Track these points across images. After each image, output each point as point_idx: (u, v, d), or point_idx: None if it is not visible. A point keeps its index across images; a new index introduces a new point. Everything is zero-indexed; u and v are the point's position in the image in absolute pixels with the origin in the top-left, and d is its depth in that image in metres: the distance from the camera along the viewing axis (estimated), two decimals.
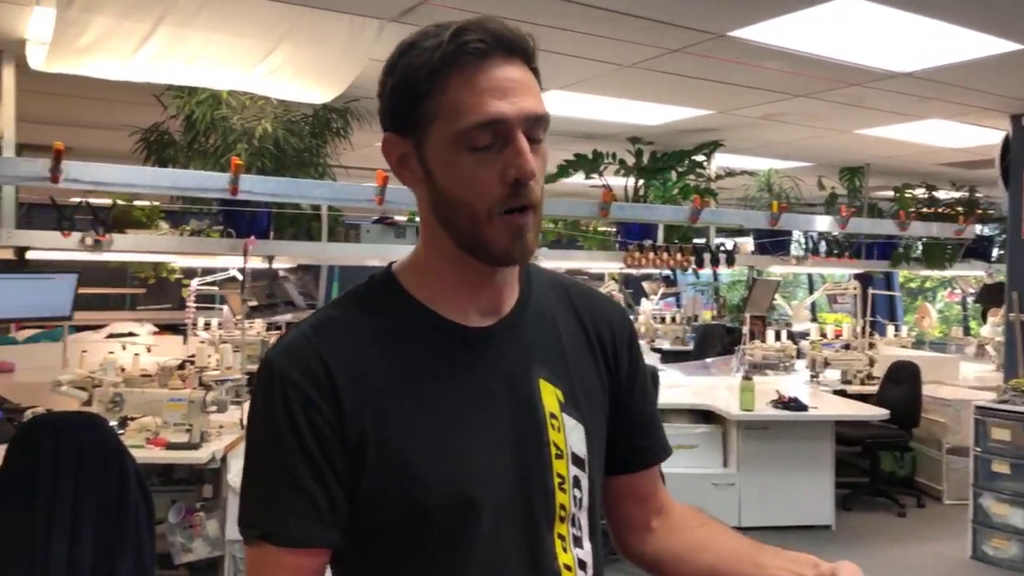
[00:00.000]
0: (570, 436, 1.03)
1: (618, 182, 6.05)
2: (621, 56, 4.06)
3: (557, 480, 1.01)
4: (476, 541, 0.96)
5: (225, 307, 6.11)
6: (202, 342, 4.75)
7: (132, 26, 3.12)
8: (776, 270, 7.48)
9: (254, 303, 4.54)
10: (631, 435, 1.15)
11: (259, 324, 6.31)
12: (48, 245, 3.71)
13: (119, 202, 4.74)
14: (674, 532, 1.18)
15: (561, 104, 5.01)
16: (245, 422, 1.02)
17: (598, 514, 1.09)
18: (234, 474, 3.51)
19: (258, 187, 3.33)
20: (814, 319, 8.78)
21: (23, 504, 2.67)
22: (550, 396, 1.02)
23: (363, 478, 0.94)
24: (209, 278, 5.96)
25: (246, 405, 1.49)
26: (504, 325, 1.03)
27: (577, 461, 1.03)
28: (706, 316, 9.00)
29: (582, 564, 1.04)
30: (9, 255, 3.86)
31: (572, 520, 1.03)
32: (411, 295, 1.01)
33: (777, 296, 7.30)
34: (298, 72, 3.69)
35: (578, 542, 1.04)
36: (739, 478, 5.01)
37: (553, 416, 1.02)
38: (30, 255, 3.88)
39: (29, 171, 2.90)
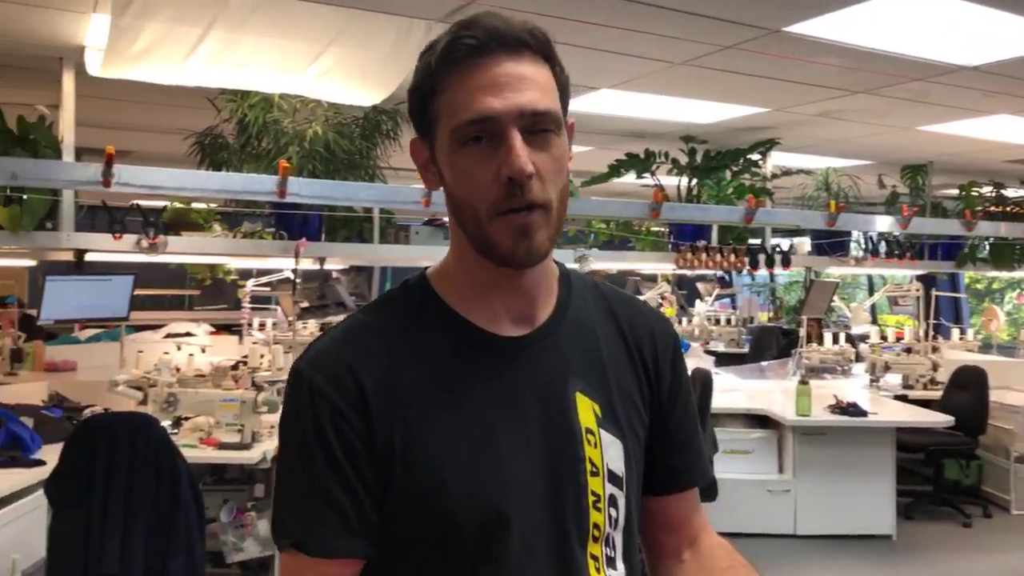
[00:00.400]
0: (607, 452, 0.99)
1: (671, 182, 5.96)
2: (673, 53, 3.98)
3: (592, 498, 0.97)
4: (506, 558, 0.92)
5: (279, 308, 6.18)
6: (255, 343, 4.80)
7: (184, 31, 3.16)
8: (834, 271, 7.29)
9: (305, 304, 4.58)
10: (668, 455, 1.09)
11: (312, 325, 6.37)
12: (106, 247, 3.78)
13: (177, 205, 4.83)
14: (702, 572, 1.11)
15: (611, 103, 4.95)
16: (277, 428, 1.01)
17: (635, 535, 1.04)
18: None
19: (305, 190, 3.35)
20: (874, 322, 8.53)
21: (79, 501, 2.71)
22: (587, 410, 0.98)
23: (391, 489, 0.92)
24: (264, 279, 6.04)
25: None
26: (539, 334, 0.99)
27: (613, 479, 0.99)
28: (762, 318, 8.84)
29: None
30: (69, 257, 3.97)
31: (606, 540, 0.99)
32: (443, 301, 0.99)
33: (835, 298, 7.11)
34: (347, 74, 3.71)
35: (611, 563, 1.00)
36: (795, 485, 4.89)
37: (589, 431, 0.98)
38: (88, 257, 3.97)
39: (83, 175, 2.96)
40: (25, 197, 3.49)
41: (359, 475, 0.92)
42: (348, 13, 3.34)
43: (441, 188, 0.98)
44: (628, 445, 1.01)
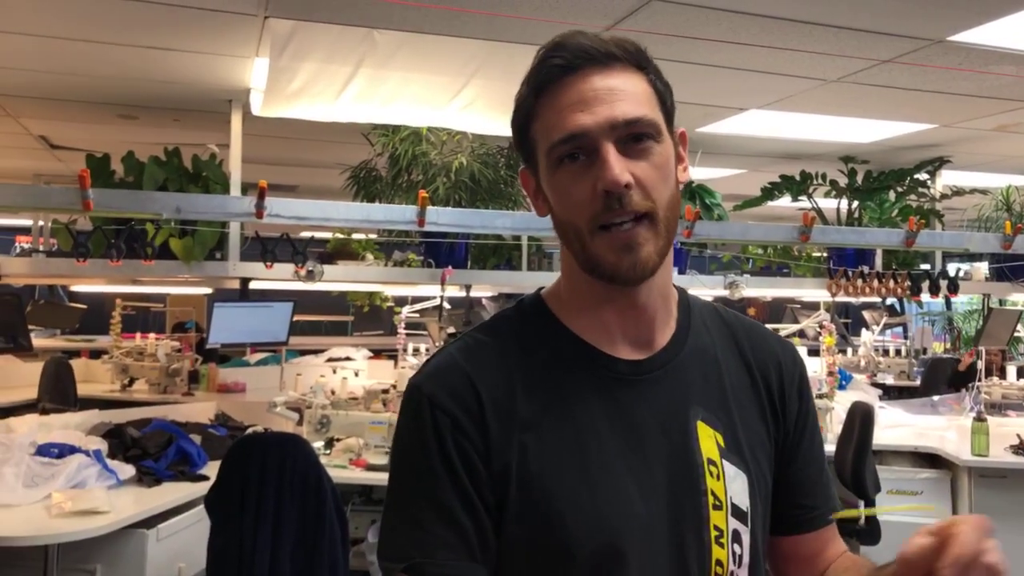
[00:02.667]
0: (731, 485, 0.93)
1: (829, 204, 5.68)
2: (825, 70, 3.81)
3: (715, 533, 0.91)
4: None
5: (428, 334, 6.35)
6: (402, 367, 4.95)
7: (335, 70, 3.34)
8: (1018, 298, 6.68)
9: (452, 330, 4.67)
10: (799, 491, 1.03)
11: None
12: (268, 276, 4.02)
13: (339, 236, 5.09)
14: None
15: (761, 123, 4.79)
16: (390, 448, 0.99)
17: (761, 573, 0.98)
18: None
19: (443, 218, 3.44)
20: None
21: (232, 516, 2.86)
22: (708, 440, 0.93)
23: (505, 516, 0.88)
24: (418, 306, 6.23)
25: None
26: (659, 359, 0.95)
27: (738, 513, 0.93)
28: (936, 349, 8.23)
29: None
30: (236, 285, 4.26)
31: None
32: (560, 322, 0.97)
33: (1020, 328, 6.51)
34: (489, 105, 3.78)
35: None
36: None
37: (712, 462, 0.93)
38: (255, 285, 4.25)
39: (238, 208, 3.18)
40: (196, 230, 3.78)
41: (480, 495, 0.88)
42: (488, 46, 3.42)
43: (550, 215, 0.97)
44: (753, 478, 0.96)
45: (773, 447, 1.01)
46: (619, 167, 0.86)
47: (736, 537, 0.93)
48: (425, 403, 0.90)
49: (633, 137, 0.89)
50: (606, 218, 0.88)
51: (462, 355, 0.94)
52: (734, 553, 0.93)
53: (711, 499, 0.92)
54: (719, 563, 0.91)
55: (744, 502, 0.94)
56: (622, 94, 0.89)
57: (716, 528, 0.91)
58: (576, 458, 0.89)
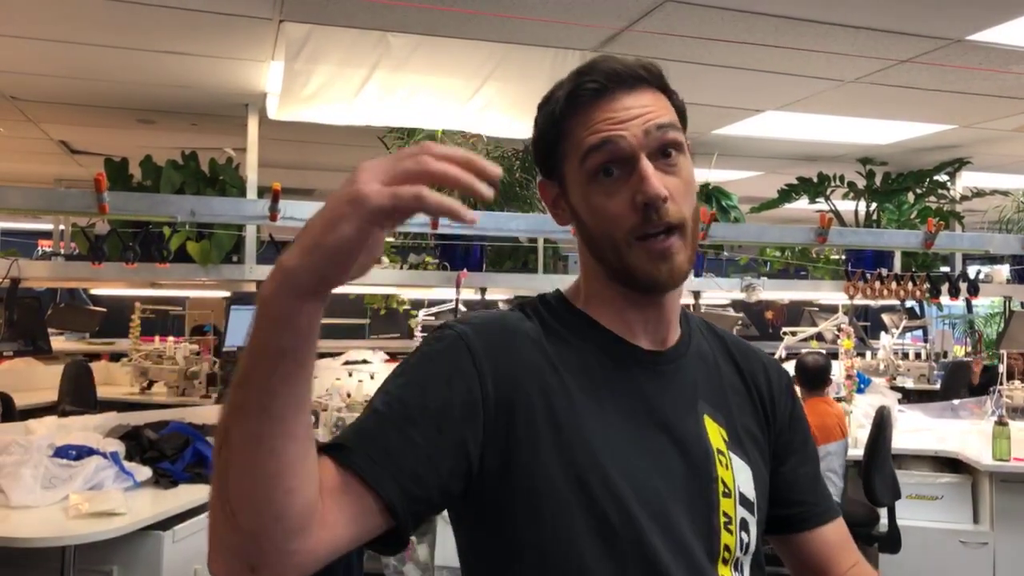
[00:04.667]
0: (738, 476, 0.98)
1: (847, 206, 5.64)
2: (842, 71, 3.78)
3: (723, 520, 0.96)
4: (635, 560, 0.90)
5: None
6: None
7: (351, 73, 3.35)
8: None
9: None
10: (794, 490, 1.09)
11: None
12: None
13: None
14: None
15: (778, 125, 4.76)
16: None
17: (762, 568, 1.02)
18: None
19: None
20: None
21: None
22: (715, 433, 0.99)
23: (528, 461, 0.89)
24: (434, 309, 6.24)
25: None
26: (673, 353, 1.01)
27: (745, 502, 0.98)
28: (957, 352, 8.15)
29: None
30: (253, 288, 4.27)
31: (736, 564, 0.96)
32: (585, 313, 1.01)
33: None
34: (505, 107, 3.78)
35: None
36: (994, 538, 4.42)
37: (720, 452, 0.98)
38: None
39: (252, 211, 3.20)
40: (213, 233, 3.80)
41: (455, 434, 0.86)
42: (504, 48, 3.42)
43: (570, 224, 1.01)
44: (756, 472, 1.01)
45: (768, 447, 1.06)
46: (657, 180, 0.92)
47: (744, 525, 0.97)
48: (455, 337, 0.92)
49: (663, 153, 0.94)
50: (644, 229, 0.92)
51: (498, 323, 0.98)
52: (741, 540, 0.97)
53: (721, 487, 0.96)
54: (727, 548, 0.95)
55: (751, 492, 0.99)
56: (651, 108, 0.95)
57: (725, 515, 0.96)
58: (601, 426, 0.92)
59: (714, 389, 1.03)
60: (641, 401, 0.96)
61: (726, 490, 0.96)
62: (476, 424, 0.88)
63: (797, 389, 1.36)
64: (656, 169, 0.92)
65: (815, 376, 4.23)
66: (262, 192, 4.15)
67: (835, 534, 1.09)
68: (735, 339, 1.13)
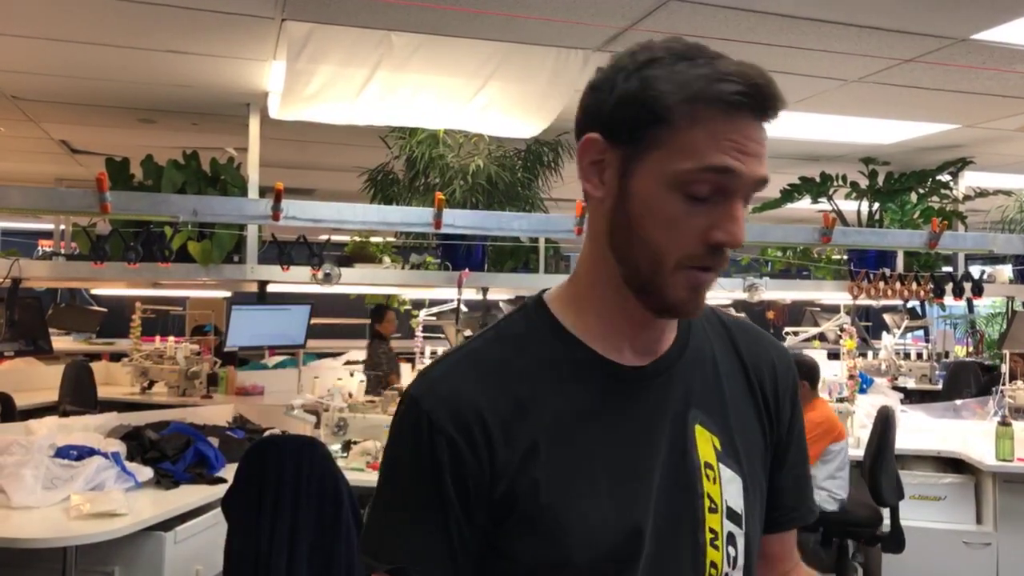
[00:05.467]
0: (726, 489, 0.95)
1: (850, 206, 5.63)
2: (844, 71, 3.77)
3: (709, 536, 0.93)
4: None
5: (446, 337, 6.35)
6: (420, 370, 4.95)
7: (352, 72, 3.34)
8: None
9: (468, 332, 4.66)
10: (782, 493, 1.06)
11: None
12: (285, 279, 4.02)
13: (357, 239, 5.09)
14: None
15: (781, 124, 4.64)
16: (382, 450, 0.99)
17: (755, 574, 1.00)
18: None
19: (460, 220, 3.43)
20: None
21: (249, 519, 2.86)
22: (706, 444, 0.95)
23: (506, 530, 0.89)
24: (435, 309, 6.22)
25: None
26: (661, 364, 0.95)
27: (733, 516, 0.95)
28: (959, 352, 8.14)
29: None
30: (254, 288, 4.26)
31: None
32: (563, 326, 0.95)
33: None
34: (507, 107, 3.77)
35: None
36: (997, 538, 4.41)
37: (708, 466, 0.94)
38: (273, 288, 4.25)
39: (254, 211, 3.19)
40: (214, 233, 3.79)
41: (471, 516, 0.89)
42: (506, 47, 3.41)
43: (601, 202, 0.90)
44: (747, 481, 0.97)
45: (768, 451, 1.03)
46: (743, 226, 0.87)
47: (731, 539, 0.95)
48: (425, 422, 0.88)
49: (749, 197, 0.89)
50: (700, 262, 0.87)
51: (465, 366, 0.93)
52: (728, 555, 0.94)
53: (707, 502, 0.93)
54: (713, 565, 0.93)
55: (739, 505, 0.96)
56: (764, 154, 0.87)
57: (711, 531, 0.93)
58: (577, 468, 0.89)
59: (710, 394, 0.98)
60: (623, 424, 0.92)
61: (712, 505, 0.94)
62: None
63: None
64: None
65: (815, 375, 4.23)
66: (263, 192, 4.14)
67: (792, 536, 1.09)
68: (744, 329, 1.07)
